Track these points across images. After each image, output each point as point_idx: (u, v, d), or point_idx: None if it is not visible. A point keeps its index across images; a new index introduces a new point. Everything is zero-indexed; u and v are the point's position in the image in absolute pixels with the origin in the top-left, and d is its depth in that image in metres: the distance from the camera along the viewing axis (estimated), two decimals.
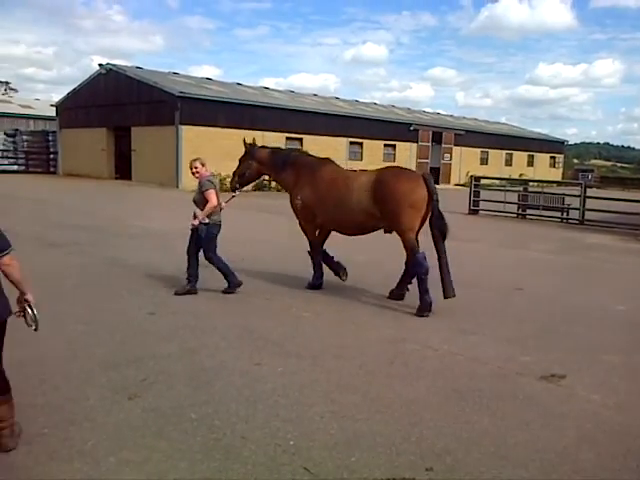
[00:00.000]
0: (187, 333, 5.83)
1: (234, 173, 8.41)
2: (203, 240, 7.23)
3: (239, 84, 36.30)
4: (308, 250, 7.99)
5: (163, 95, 26.58)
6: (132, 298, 7.07)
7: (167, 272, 8.44)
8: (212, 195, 7.13)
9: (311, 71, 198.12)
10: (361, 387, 4.64)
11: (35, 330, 3.64)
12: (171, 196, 22.08)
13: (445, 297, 6.82)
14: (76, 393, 4.32)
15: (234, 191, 8.34)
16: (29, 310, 3.60)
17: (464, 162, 41.09)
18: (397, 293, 7.47)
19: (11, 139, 37.86)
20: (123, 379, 4.61)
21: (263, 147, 8.51)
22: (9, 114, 53.80)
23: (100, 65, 30.63)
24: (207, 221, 7.17)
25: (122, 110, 28.97)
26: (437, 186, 7.17)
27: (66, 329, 5.78)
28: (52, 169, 35.72)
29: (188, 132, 25.92)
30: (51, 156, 36.17)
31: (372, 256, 10.20)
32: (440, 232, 6.88)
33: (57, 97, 42.06)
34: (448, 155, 40.71)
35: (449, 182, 39.89)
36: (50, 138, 36.33)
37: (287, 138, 30.44)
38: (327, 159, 8.15)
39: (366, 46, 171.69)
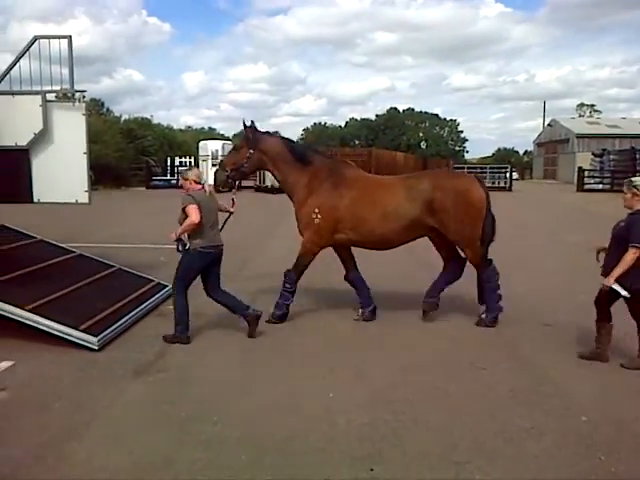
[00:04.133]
0: None
1: (222, 166, 6.55)
2: (179, 266, 5.76)
3: None
4: (288, 270, 6.41)
5: None
6: None
7: None
8: (191, 210, 5.52)
9: None
10: None
11: None
12: None
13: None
14: None
15: (230, 190, 6.51)
16: None
17: None
18: (432, 302, 6.49)
19: (598, 159, 38.72)
20: None
21: (267, 133, 6.66)
22: (596, 135, 55.25)
23: None
24: (187, 246, 5.63)
25: None
26: None
27: None
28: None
29: None
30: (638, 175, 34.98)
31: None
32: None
33: (638, 114, 40.28)
34: None
35: None
36: (637, 156, 35.21)
37: None
38: (345, 160, 7.17)
39: None
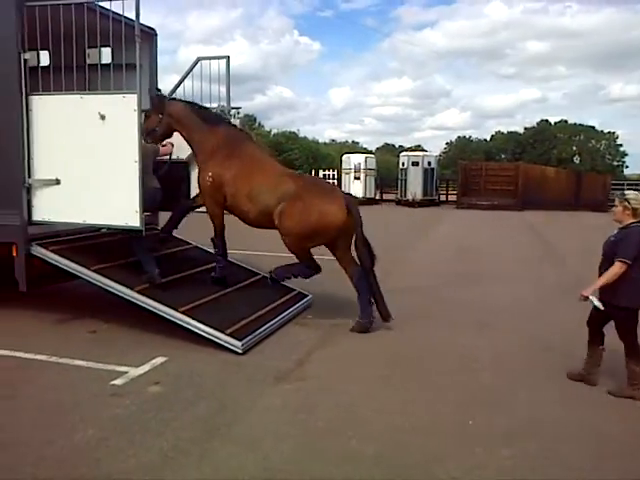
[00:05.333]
0: None
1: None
2: None
3: None
4: (212, 238, 7.01)
5: None
6: None
7: None
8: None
9: None
10: None
11: None
12: None
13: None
14: None
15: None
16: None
17: None
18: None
19: None
20: None
21: (174, 99, 7.22)
22: None
23: None
24: None
25: None
26: None
27: None
28: None
29: None
30: None
31: None
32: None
33: None
34: None
35: None
36: None
37: None
38: (249, 135, 7.44)
39: None
